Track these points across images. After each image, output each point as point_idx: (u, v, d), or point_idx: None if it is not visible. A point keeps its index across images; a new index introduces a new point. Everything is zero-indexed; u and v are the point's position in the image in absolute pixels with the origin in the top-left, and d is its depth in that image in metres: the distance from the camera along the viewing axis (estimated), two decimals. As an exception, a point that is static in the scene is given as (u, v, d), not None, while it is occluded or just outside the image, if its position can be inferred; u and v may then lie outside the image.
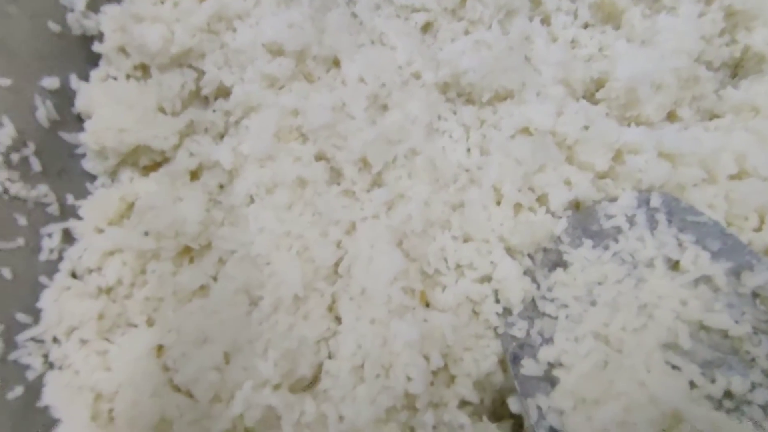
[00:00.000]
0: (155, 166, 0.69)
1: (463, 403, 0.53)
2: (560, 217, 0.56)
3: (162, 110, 0.67)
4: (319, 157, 0.63)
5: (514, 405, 0.50)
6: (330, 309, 0.57)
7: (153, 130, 0.65)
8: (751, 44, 0.65)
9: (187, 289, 0.60)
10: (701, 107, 0.64)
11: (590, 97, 0.67)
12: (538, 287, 0.54)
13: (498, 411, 0.55)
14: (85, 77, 0.66)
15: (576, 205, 0.58)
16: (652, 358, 0.44)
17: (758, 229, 0.53)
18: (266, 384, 0.52)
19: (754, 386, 0.43)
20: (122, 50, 0.66)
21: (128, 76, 0.67)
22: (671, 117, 0.63)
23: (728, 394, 0.43)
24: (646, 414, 0.41)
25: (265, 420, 0.51)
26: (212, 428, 0.51)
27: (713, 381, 0.43)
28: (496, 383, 0.53)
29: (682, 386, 0.42)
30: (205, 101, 0.70)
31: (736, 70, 0.69)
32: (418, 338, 0.50)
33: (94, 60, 0.67)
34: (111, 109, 0.64)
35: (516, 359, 0.50)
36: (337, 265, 0.58)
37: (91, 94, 0.65)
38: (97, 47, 0.65)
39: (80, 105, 0.65)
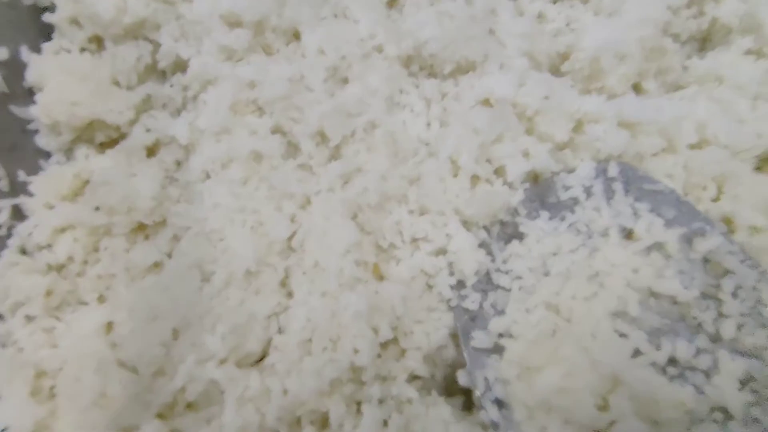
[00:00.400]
0: (112, 143, 0.67)
1: (413, 378, 0.52)
2: (517, 189, 0.55)
3: (117, 84, 0.66)
4: (276, 131, 0.62)
5: (462, 378, 0.48)
6: (283, 284, 0.56)
7: (107, 104, 0.63)
8: (719, 16, 0.63)
9: (139, 266, 0.58)
10: (667, 80, 0.62)
11: (555, 72, 0.65)
12: (493, 260, 0.52)
13: (450, 387, 0.53)
14: (37, 49, 0.64)
15: (534, 178, 0.56)
16: (600, 325, 0.42)
17: (716, 199, 0.52)
18: (211, 358, 0.50)
19: (698, 352, 0.42)
20: (75, 22, 0.64)
21: (82, 49, 0.66)
22: (636, 89, 0.62)
23: (673, 361, 0.42)
24: (585, 379, 0.40)
25: (207, 394, 0.50)
26: (153, 402, 0.49)
27: (658, 348, 0.42)
28: (447, 358, 0.52)
29: (625, 352, 0.41)
30: (163, 76, 0.68)
31: (704, 44, 0.67)
32: (365, 309, 0.48)
33: (46, 32, 0.65)
34: (63, 82, 0.62)
35: (467, 332, 0.49)
36: (291, 239, 0.57)
37: (43, 67, 0.63)
38: (48, 17, 0.64)
39: (31, 78, 0.63)
